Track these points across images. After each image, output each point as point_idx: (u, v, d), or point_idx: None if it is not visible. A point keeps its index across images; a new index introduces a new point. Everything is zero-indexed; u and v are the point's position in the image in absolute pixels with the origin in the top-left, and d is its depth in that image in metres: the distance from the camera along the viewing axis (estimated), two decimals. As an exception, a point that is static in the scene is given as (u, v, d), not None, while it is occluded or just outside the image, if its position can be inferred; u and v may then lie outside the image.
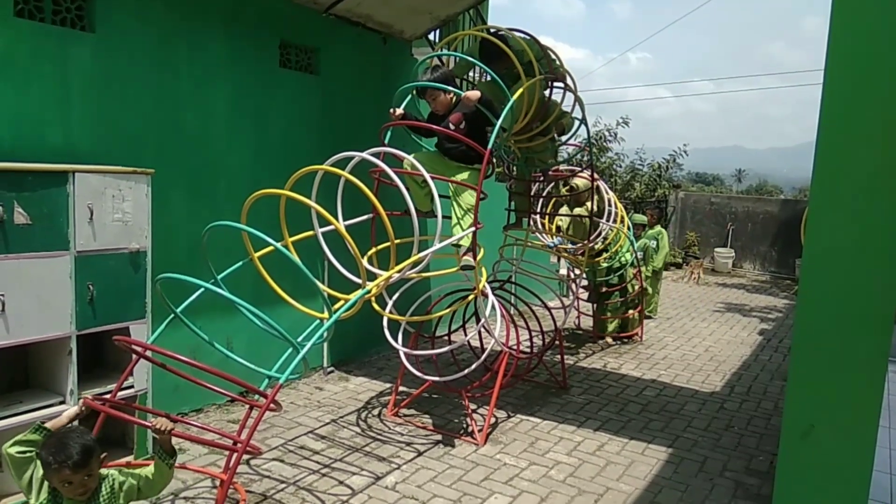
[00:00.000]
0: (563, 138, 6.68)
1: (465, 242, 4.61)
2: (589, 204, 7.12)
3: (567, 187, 7.58)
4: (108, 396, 3.43)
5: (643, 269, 8.80)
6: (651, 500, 4.10)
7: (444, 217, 4.32)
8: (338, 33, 6.07)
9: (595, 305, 8.22)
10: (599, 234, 7.39)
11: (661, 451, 4.84)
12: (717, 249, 15.94)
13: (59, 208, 3.46)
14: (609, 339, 8.11)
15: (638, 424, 5.35)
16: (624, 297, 8.17)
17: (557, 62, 5.81)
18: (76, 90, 4.07)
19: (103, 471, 2.48)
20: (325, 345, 6.08)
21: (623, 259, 7.96)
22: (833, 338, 3.07)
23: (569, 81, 5.79)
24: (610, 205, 7.62)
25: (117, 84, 4.30)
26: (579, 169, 7.54)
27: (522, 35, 5.57)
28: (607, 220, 7.49)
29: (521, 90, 4.83)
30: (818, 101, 3.11)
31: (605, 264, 7.80)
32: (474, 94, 4.53)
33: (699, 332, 8.98)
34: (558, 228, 7.93)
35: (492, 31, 5.73)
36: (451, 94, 4.64)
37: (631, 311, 8.25)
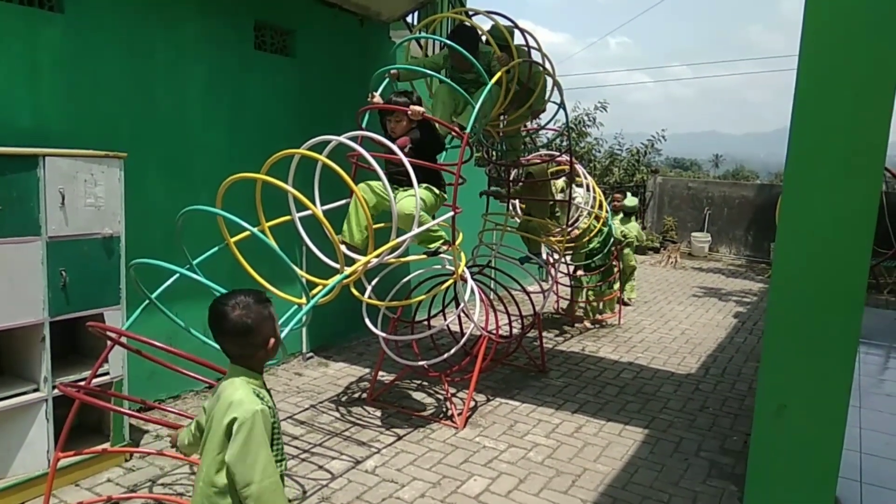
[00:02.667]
0: (542, 122, 6.70)
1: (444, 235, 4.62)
2: (559, 183, 7.11)
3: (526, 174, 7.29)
4: (82, 383, 3.39)
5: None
6: (628, 480, 4.16)
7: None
8: (314, 15, 5.99)
9: (572, 290, 8.28)
10: (577, 220, 7.42)
11: (638, 432, 4.91)
12: (693, 234, 16.12)
13: (29, 193, 3.39)
14: (587, 324, 8.18)
15: (615, 406, 5.41)
16: (604, 280, 8.23)
17: (536, 47, 5.80)
18: (46, 71, 3.98)
19: None
20: (304, 330, 6.05)
21: (602, 239, 8.00)
22: (805, 320, 3.13)
23: (547, 66, 5.78)
24: (588, 190, 7.65)
25: (89, 65, 4.21)
26: (558, 154, 7.54)
27: (503, 20, 5.55)
28: (585, 205, 7.52)
29: (494, 78, 4.81)
30: (794, 86, 3.14)
31: (590, 245, 7.83)
32: (418, 108, 4.48)
33: (676, 316, 9.09)
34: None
35: (470, 13, 5.70)
36: (407, 122, 4.56)
37: (613, 290, 8.33)
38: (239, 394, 2.08)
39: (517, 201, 7.33)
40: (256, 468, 1.97)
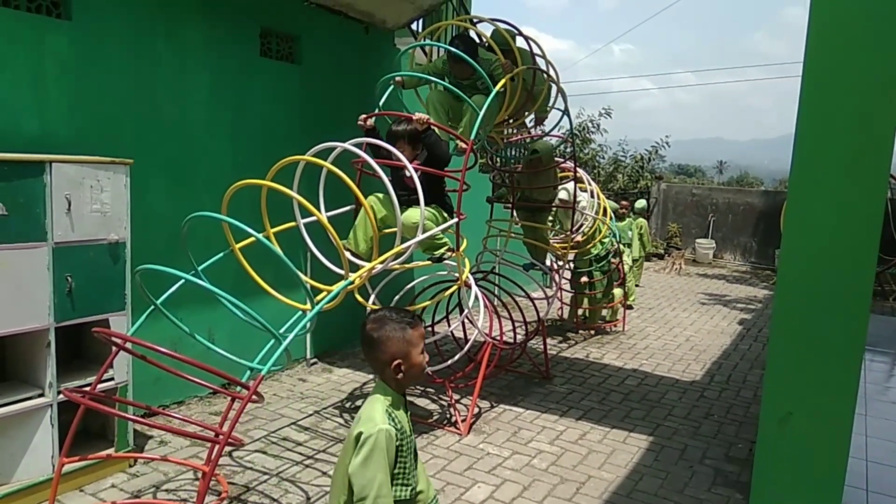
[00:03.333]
0: (546, 128, 6.70)
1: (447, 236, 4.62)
2: (570, 186, 7.05)
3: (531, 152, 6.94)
4: (87, 389, 3.40)
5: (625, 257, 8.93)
6: (632, 487, 4.14)
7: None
8: (319, 22, 6.01)
9: (573, 296, 8.27)
10: (580, 226, 7.42)
11: (643, 439, 4.89)
12: (698, 240, 16.09)
13: (35, 199, 3.40)
14: (592, 331, 8.17)
15: (619, 413, 5.39)
16: (607, 287, 8.22)
17: (540, 54, 5.81)
18: (53, 78, 4.01)
19: None
20: (308, 336, 6.06)
21: (607, 244, 8.00)
22: (810, 327, 3.12)
23: (551, 72, 5.79)
24: (593, 196, 7.65)
25: (95, 72, 4.23)
26: (562, 160, 7.54)
27: (505, 26, 5.56)
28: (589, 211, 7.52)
29: (499, 85, 4.81)
30: (798, 92, 3.14)
31: (594, 251, 7.83)
32: (423, 116, 4.47)
33: (680, 322, 9.07)
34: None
35: (474, 20, 5.72)
36: (410, 150, 4.50)
37: (616, 297, 8.31)
38: (370, 409, 2.09)
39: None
40: (373, 485, 1.98)
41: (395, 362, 2.11)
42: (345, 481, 2.06)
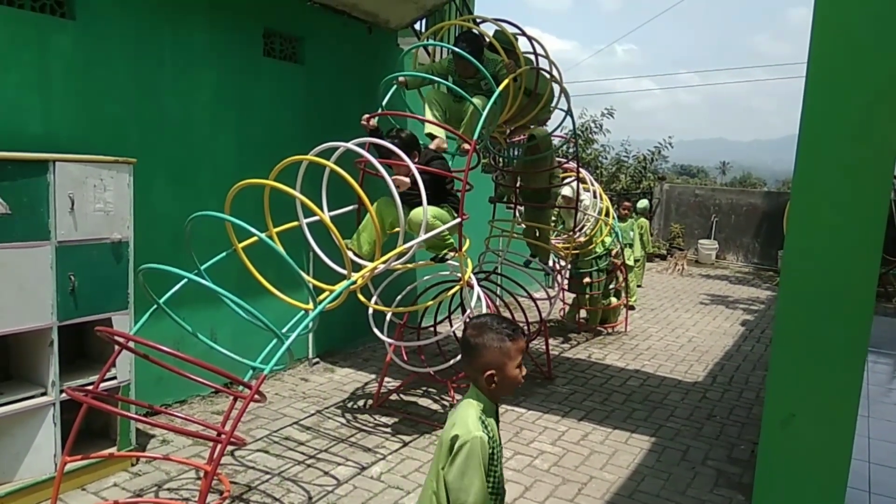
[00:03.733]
0: (549, 129, 6.69)
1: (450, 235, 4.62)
2: (573, 185, 7.02)
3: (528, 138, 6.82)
4: (90, 388, 3.41)
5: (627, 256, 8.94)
6: (634, 488, 4.14)
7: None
8: (322, 22, 6.02)
9: (575, 296, 8.25)
10: (583, 226, 7.41)
11: (644, 440, 4.89)
12: (700, 241, 16.07)
13: (39, 198, 3.41)
14: (592, 332, 8.16)
15: (621, 414, 5.39)
16: (607, 288, 8.21)
17: (543, 54, 5.80)
18: (57, 78, 4.01)
19: None
20: (311, 336, 6.06)
21: (608, 245, 7.99)
22: (813, 328, 3.11)
23: (554, 73, 5.78)
24: (595, 196, 7.64)
25: (99, 72, 4.24)
26: (565, 160, 7.53)
27: (510, 27, 5.55)
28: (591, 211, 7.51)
29: (502, 85, 4.80)
30: (802, 93, 3.13)
31: (598, 250, 7.82)
32: (404, 180, 4.29)
33: (683, 323, 9.05)
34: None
35: (477, 20, 5.72)
36: (407, 169, 4.35)
37: (614, 300, 8.30)
38: (464, 414, 2.07)
39: (524, 208, 7.32)
40: (471, 492, 1.97)
41: (489, 372, 2.07)
42: (438, 484, 2.05)
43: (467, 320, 2.20)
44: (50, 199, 3.44)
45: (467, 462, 1.97)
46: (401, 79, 5.13)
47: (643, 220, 10.36)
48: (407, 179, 4.28)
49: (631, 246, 9.72)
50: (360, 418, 4.98)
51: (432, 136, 4.89)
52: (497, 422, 2.16)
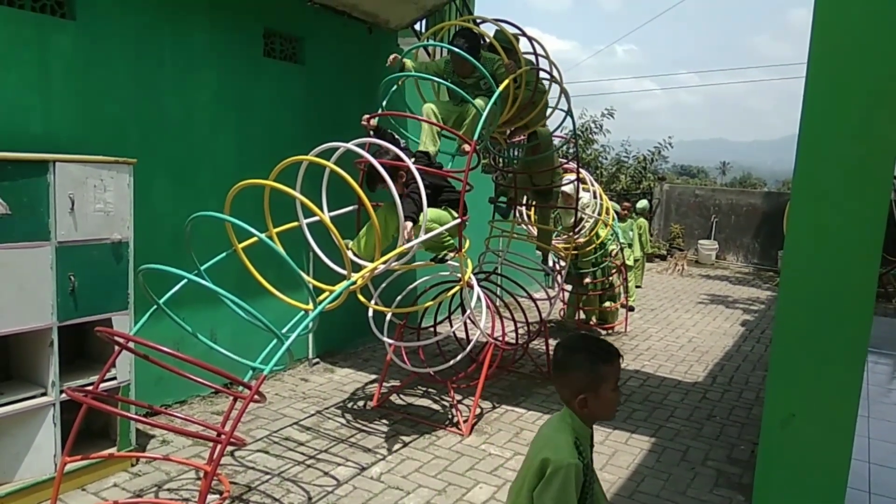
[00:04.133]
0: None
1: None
2: (571, 187, 7.01)
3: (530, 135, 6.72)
4: (90, 388, 3.41)
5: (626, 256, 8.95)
6: (634, 489, 4.13)
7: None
8: (323, 22, 6.02)
9: (571, 296, 8.24)
10: (583, 225, 7.41)
11: (644, 440, 4.89)
12: (700, 241, 16.07)
13: (39, 198, 3.41)
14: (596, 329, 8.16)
15: (621, 414, 5.39)
16: (605, 289, 8.19)
17: (543, 54, 5.80)
18: (57, 78, 4.01)
19: None
20: (311, 336, 6.06)
21: (609, 245, 7.98)
22: (813, 328, 3.11)
23: (555, 73, 5.78)
24: (595, 197, 7.64)
25: (99, 72, 4.24)
26: (565, 161, 7.53)
27: (510, 28, 5.54)
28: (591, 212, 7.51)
29: (502, 85, 4.79)
30: (802, 94, 3.13)
31: (596, 253, 7.82)
32: (408, 227, 4.19)
33: (683, 324, 9.05)
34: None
35: (477, 21, 5.72)
36: (400, 185, 4.35)
37: (610, 304, 8.29)
38: (556, 436, 1.99)
39: (524, 208, 7.33)
40: None
41: (581, 396, 1.97)
42: (522, 500, 1.97)
43: (565, 340, 2.07)
44: (50, 199, 3.44)
45: (563, 490, 1.88)
46: (399, 81, 5.09)
47: (642, 221, 10.38)
48: (412, 234, 4.23)
49: (630, 246, 9.74)
50: (360, 419, 4.98)
51: (424, 154, 4.76)
52: (591, 447, 2.06)
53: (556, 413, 2.08)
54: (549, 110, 6.00)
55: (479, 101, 4.76)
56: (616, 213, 9.79)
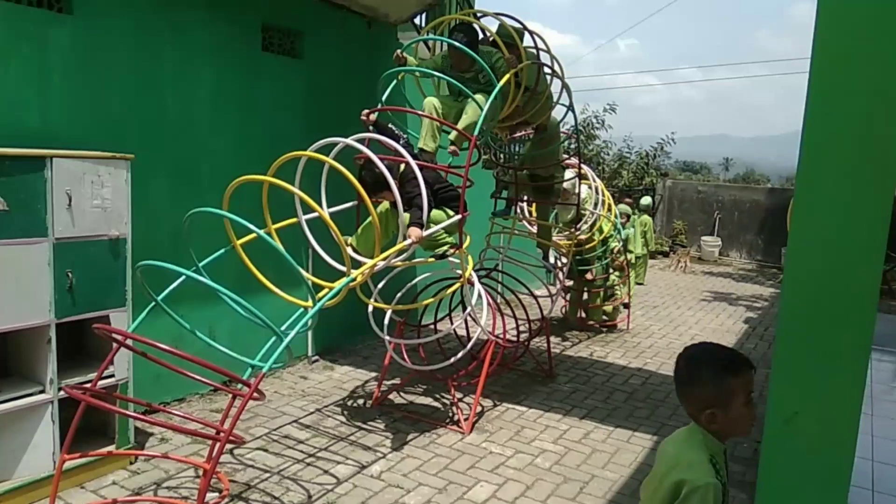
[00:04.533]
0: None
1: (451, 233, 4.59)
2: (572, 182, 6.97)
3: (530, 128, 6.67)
4: (88, 386, 3.39)
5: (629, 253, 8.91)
6: (636, 487, 4.11)
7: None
8: (322, 17, 5.99)
9: (573, 293, 8.20)
10: (585, 221, 7.38)
11: (647, 438, 4.86)
12: (703, 238, 16.02)
13: (36, 194, 3.38)
14: (595, 324, 8.13)
15: (624, 412, 5.36)
16: (605, 286, 8.16)
17: (545, 48, 5.75)
18: (55, 73, 3.99)
19: None
20: (310, 333, 6.04)
21: (610, 244, 7.96)
22: (817, 326, 3.08)
23: (556, 68, 5.74)
24: (597, 193, 7.61)
25: (97, 67, 4.22)
26: (567, 156, 7.49)
27: (510, 21, 5.50)
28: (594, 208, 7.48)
29: (503, 80, 4.75)
30: (805, 89, 3.10)
31: (598, 249, 7.79)
32: (416, 232, 4.16)
33: (685, 321, 9.02)
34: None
35: (478, 15, 5.68)
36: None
37: (614, 298, 8.27)
38: (690, 454, 1.85)
39: (525, 205, 7.29)
40: None
41: (709, 411, 1.84)
42: None
43: (688, 351, 1.94)
44: (47, 195, 3.42)
45: None
46: (399, 77, 5.06)
47: (646, 218, 10.32)
48: (423, 234, 4.20)
49: (627, 241, 9.67)
50: (360, 417, 4.96)
51: (423, 151, 4.74)
52: (726, 464, 1.92)
53: (682, 429, 1.95)
54: (551, 103, 5.96)
55: (478, 97, 4.72)
56: (626, 215, 9.80)
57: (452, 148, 4.73)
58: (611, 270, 8.10)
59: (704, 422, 1.85)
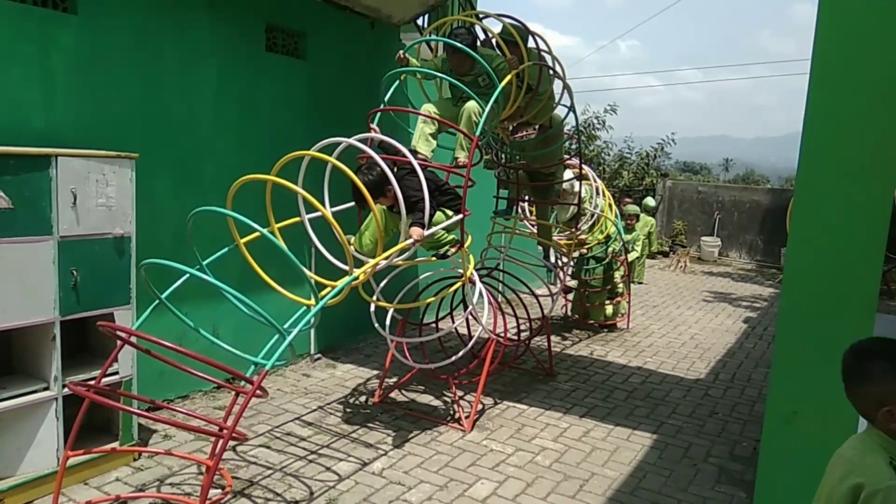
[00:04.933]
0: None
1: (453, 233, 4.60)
2: (573, 182, 6.98)
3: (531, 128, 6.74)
4: (92, 383, 3.41)
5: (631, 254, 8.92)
6: (636, 485, 4.13)
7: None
8: (325, 17, 6.01)
9: (575, 292, 8.22)
10: (585, 220, 7.40)
11: (646, 437, 4.88)
12: (703, 238, 16.03)
13: (41, 192, 3.41)
14: (595, 323, 8.15)
15: (623, 411, 5.38)
16: (608, 286, 8.17)
17: (546, 49, 5.77)
18: (59, 72, 4.01)
19: None
20: (312, 331, 6.06)
21: (612, 243, 7.97)
22: (816, 325, 3.10)
23: (558, 69, 5.76)
24: (598, 194, 7.63)
25: (101, 67, 4.23)
26: (567, 157, 7.51)
27: (511, 21, 5.52)
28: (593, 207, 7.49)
29: (505, 80, 4.76)
30: (805, 90, 3.12)
31: (597, 249, 7.80)
32: (417, 231, 4.16)
33: (685, 320, 9.04)
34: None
35: (480, 16, 5.70)
36: (392, 196, 4.22)
37: (616, 299, 8.28)
38: (866, 457, 1.79)
39: (526, 204, 7.31)
40: None
41: (885, 409, 1.76)
42: None
43: (855, 345, 1.90)
44: (52, 193, 3.44)
45: None
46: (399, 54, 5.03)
47: (650, 219, 10.28)
48: (424, 233, 4.21)
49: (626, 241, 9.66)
50: (362, 414, 4.98)
51: (415, 153, 4.64)
52: None
53: (855, 435, 1.89)
54: (552, 104, 5.98)
55: (471, 104, 4.67)
56: (635, 216, 9.82)
57: (462, 161, 4.71)
58: (613, 269, 8.11)
59: (881, 421, 1.78)
